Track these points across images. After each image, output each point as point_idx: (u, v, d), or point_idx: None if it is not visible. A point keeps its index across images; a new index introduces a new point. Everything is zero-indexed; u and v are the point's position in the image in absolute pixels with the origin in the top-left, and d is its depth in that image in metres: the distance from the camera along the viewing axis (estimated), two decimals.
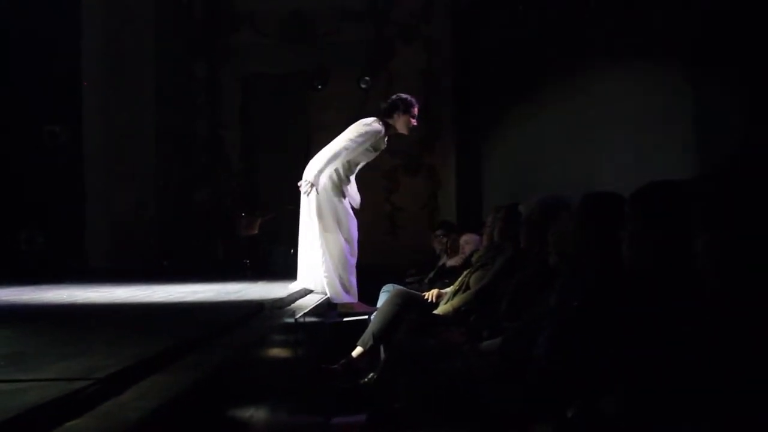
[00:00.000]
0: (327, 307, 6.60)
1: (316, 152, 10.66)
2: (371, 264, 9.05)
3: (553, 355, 3.18)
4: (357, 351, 6.24)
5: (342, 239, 6.81)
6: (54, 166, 10.06)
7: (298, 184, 6.74)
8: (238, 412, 3.20)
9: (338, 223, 6.78)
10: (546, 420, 2.95)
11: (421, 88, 11.03)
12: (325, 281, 6.74)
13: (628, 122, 6.66)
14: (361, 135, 6.79)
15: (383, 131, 6.87)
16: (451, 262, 8.22)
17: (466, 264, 6.89)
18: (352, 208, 7.01)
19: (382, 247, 10.74)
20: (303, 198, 6.84)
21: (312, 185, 6.62)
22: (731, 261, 2.37)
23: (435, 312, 5.98)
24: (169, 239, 10.89)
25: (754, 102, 4.76)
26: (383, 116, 6.95)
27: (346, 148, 6.72)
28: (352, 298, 6.91)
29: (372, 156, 6.99)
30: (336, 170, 6.81)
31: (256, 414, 3.50)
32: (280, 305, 5.38)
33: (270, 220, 9.97)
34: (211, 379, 2.74)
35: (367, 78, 10.93)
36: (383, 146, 7.00)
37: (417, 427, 3.73)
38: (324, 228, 6.75)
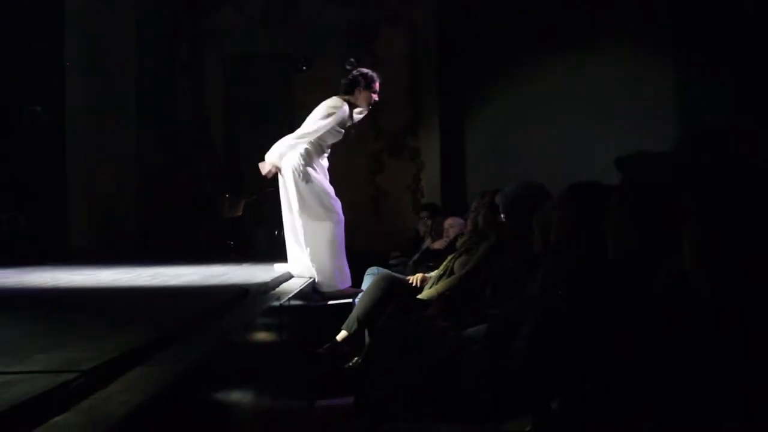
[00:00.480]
0: (312, 291, 6.60)
1: None
2: (355, 245, 9.06)
3: (535, 345, 3.19)
4: (341, 335, 6.26)
5: (332, 225, 6.74)
6: (35, 147, 10.01)
7: (259, 165, 6.62)
8: (224, 400, 3.21)
9: (324, 207, 6.70)
10: (529, 411, 2.97)
11: (405, 70, 11.04)
12: (314, 269, 6.68)
13: (612, 109, 6.70)
14: (327, 116, 6.68)
15: (347, 110, 6.79)
16: (436, 245, 8.25)
17: (450, 248, 6.92)
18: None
19: (366, 228, 10.74)
20: (281, 182, 6.77)
21: (276, 168, 6.54)
22: (715, 255, 2.39)
23: (419, 296, 6.01)
24: (152, 220, 10.87)
25: (740, 93, 4.78)
26: (344, 93, 6.87)
27: (315, 131, 6.63)
28: (346, 284, 6.88)
29: (339, 135, 6.87)
30: (306, 150, 6.69)
31: (241, 399, 3.51)
32: (265, 290, 5.38)
33: (253, 202, 9.95)
34: (196, 370, 2.73)
35: (352, 60, 10.87)
36: (348, 123, 6.90)
37: (401, 414, 3.74)
38: (311, 217, 6.66)
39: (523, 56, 9.27)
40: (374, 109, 10.87)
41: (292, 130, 10.63)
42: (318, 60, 10.93)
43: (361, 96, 6.83)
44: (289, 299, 5.27)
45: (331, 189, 6.81)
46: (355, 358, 6.01)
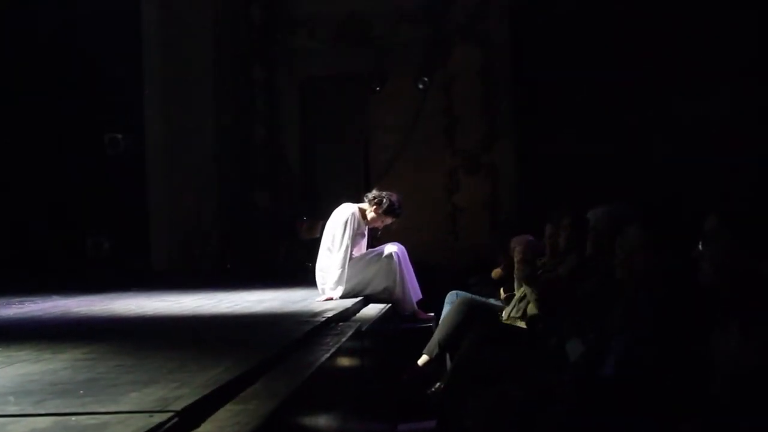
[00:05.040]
0: (392, 316, 6.62)
1: (375, 154, 10.71)
2: (432, 263, 9.07)
3: (624, 375, 3.15)
4: (423, 359, 6.26)
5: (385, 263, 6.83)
6: (117, 173, 10.24)
7: (320, 298, 6.62)
8: (313, 430, 3.22)
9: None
10: None
11: (479, 87, 10.98)
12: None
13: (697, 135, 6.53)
14: (343, 230, 6.74)
15: (358, 214, 6.84)
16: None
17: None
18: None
19: (444, 246, 10.71)
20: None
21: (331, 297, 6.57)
22: None
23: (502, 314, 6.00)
24: (231, 243, 10.99)
25: None
26: (366, 200, 6.93)
27: (345, 250, 6.67)
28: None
29: (362, 240, 7.02)
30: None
31: (328, 427, 3.53)
32: (346, 316, 5.41)
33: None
34: (285, 405, 2.75)
35: (425, 78, 10.89)
36: (364, 228, 7.00)
37: None
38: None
39: (600, 67, 9.19)
40: (450, 127, 10.96)
41: (366, 149, 10.83)
42: (392, 79, 10.95)
43: (377, 216, 6.88)
44: (370, 325, 5.29)
45: (370, 254, 6.93)
46: (438, 383, 5.99)
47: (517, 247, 6.29)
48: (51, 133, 10.04)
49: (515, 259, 6.18)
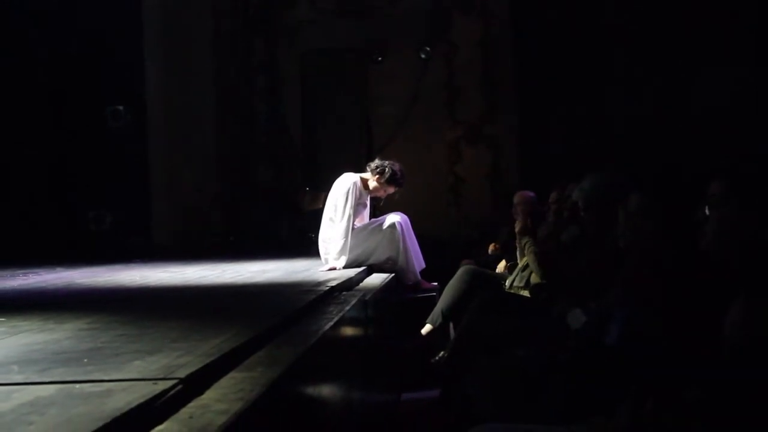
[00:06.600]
0: (395, 286, 6.62)
1: (377, 126, 10.68)
2: (434, 235, 9.07)
3: (626, 342, 3.14)
4: (426, 328, 6.28)
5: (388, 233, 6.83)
6: (118, 146, 10.21)
7: (323, 268, 6.63)
8: (317, 399, 3.23)
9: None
10: (621, 411, 2.92)
11: (480, 57, 10.96)
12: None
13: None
14: (345, 199, 6.72)
15: (359, 184, 6.80)
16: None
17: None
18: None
19: (446, 217, 10.73)
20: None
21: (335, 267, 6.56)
22: None
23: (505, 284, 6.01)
24: (234, 216, 11.00)
25: None
26: (368, 169, 6.89)
27: (348, 219, 6.64)
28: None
29: (363, 210, 7.00)
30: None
31: (332, 396, 3.54)
32: (349, 285, 5.42)
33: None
34: (289, 372, 2.75)
35: (427, 48, 10.86)
36: (366, 198, 6.97)
37: (488, 411, 3.72)
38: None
39: (600, 37, 9.14)
40: (451, 98, 10.92)
41: (368, 121, 10.79)
42: (393, 51, 10.91)
43: (380, 185, 6.84)
44: (374, 294, 5.29)
45: (372, 224, 6.93)
46: (441, 352, 6.01)
47: (516, 220, 6.33)
48: (52, 106, 10.02)
49: (516, 230, 6.21)
